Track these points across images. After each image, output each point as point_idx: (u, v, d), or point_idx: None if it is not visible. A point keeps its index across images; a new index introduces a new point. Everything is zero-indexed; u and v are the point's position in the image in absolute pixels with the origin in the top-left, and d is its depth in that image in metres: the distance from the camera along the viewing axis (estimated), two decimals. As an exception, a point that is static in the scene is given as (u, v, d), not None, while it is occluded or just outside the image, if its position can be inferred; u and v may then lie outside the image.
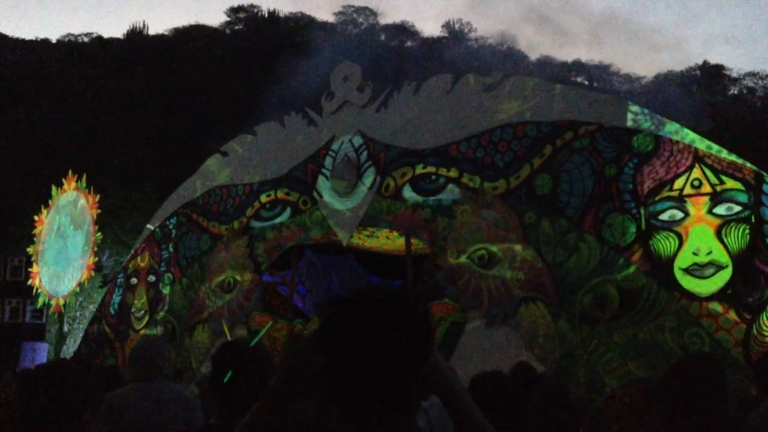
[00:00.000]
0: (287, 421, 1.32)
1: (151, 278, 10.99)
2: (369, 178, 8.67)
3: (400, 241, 8.86)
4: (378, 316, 1.22)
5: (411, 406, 1.27)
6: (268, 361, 2.69)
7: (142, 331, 10.72)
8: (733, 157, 6.35)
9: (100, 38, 61.07)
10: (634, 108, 6.99)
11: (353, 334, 1.21)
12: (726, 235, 6.16)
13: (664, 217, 6.48)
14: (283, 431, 1.32)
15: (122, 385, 4.21)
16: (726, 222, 6.19)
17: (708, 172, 6.36)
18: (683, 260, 6.30)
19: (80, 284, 13.47)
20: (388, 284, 10.54)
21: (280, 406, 1.31)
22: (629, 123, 6.89)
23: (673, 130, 6.68)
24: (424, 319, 1.26)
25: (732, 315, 5.97)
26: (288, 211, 9.50)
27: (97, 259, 14.61)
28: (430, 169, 8.15)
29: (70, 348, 20.14)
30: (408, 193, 8.29)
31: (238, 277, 9.69)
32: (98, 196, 13.67)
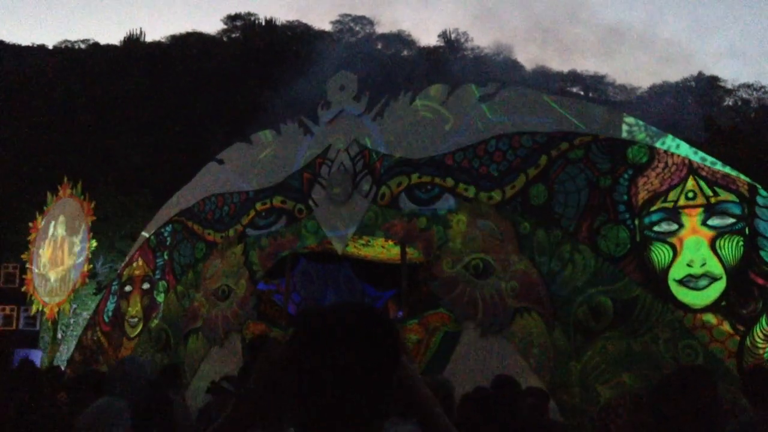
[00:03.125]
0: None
1: (146, 286, 10.96)
2: (365, 187, 8.68)
3: (396, 250, 8.86)
4: (344, 328, 1.24)
5: (380, 417, 1.28)
6: None
7: (135, 339, 10.68)
8: (727, 169, 6.38)
9: (96, 45, 61.10)
10: (629, 119, 7.02)
11: (320, 347, 1.23)
12: (720, 247, 6.18)
13: (659, 228, 6.50)
14: None
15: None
16: (720, 234, 6.21)
17: (702, 184, 6.39)
18: (677, 271, 6.31)
19: (74, 291, 13.43)
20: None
21: (253, 412, 1.33)
22: (624, 134, 6.92)
23: (667, 141, 6.71)
24: (390, 330, 1.28)
25: (726, 327, 5.98)
26: (283, 219, 9.50)
27: (91, 266, 14.55)
28: (426, 178, 8.17)
29: (63, 355, 20.03)
30: (403, 202, 8.30)
31: (232, 285, 9.67)
32: (93, 203, 13.66)
